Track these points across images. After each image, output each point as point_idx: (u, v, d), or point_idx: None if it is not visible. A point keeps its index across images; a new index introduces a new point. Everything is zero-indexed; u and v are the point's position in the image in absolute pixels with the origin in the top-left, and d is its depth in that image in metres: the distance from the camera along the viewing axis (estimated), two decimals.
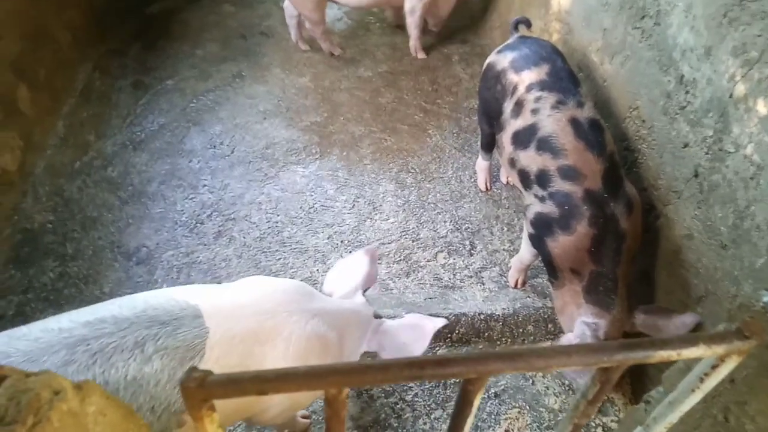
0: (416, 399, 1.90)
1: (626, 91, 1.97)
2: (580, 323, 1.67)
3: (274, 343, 1.29)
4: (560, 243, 1.74)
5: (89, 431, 0.53)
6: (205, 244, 2.33)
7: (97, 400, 0.56)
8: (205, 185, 2.56)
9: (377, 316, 1.57)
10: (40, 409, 0.48)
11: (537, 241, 1.86)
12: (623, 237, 1.66)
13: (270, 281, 1.44)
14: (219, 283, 2.19)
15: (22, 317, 2.06)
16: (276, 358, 1.29)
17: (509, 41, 2.19)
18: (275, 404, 1.38)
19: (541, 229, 1.81)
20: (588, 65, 2.24)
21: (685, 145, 1.64)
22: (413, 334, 1.52)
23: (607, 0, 2.07)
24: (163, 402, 1.16)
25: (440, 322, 1.55)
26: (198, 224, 2.40)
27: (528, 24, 2.30)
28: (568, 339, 1.69)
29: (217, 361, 1.21)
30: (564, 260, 1.76)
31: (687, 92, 1.62)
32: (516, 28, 2.26)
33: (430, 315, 1.65)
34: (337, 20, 3.65)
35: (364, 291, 1.62)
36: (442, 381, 1.96)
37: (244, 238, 2.36)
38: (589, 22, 2.23)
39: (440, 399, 1.90)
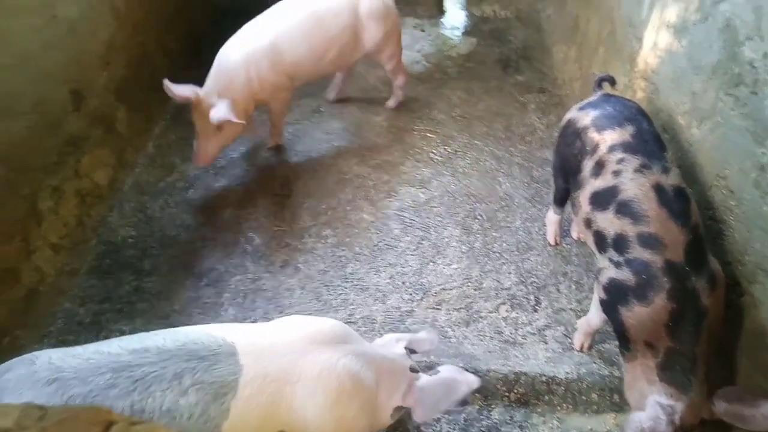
0: None
1: (714, 159, 1.88)
2: (654, 404, 1.57)
3: (305, 382, 1.30)
4: (635, 313, 1.65)
5: None
6: (271, 272, 2.39)
7: None
8: (276, 215, 2.64)
9: (414, 370, 1.54)
10: None
11: (609, 307, 1.78)
12: (704, 314, 1.57)
13: (307, 321, 1.47)
14: (281, 312, 2.24)
15: (97, 326, 2.18)
16: (306, 396, 1.30)
17: (592, 98, 2.15)
18: None
19: (615, 296, 1.73)
20: (673, 128, 2.17)
21: None
22: (446, 390, 1.51)
23: (699, 63, 2.01)
24: None
25: (475, 383, 1.54)
26: (266, 252, 2.48)
27: (612, 82, 2.26)
28: (639, 419, 1.59)
29: (248, 399, 1.25)
30: (638, 332, 1.66)
31: None
32: (600, 85, 2.23)
33: (475, 371, 1.62)
34: (415, 63, 3.73)
35: (411, 352, 1.60)
36: None
37: (308, 269, 2.41)
38: (677, 84, 2.17)
39: None
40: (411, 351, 1.60)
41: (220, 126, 2.47)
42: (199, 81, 3.42)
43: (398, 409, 1.47)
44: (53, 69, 2.33)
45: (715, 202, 1.86)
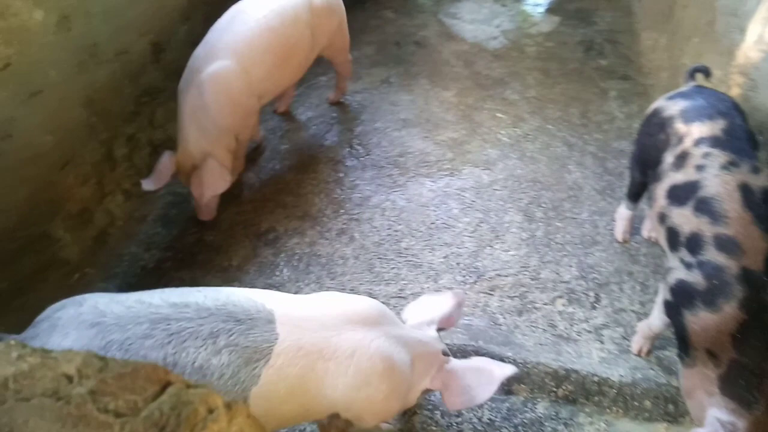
0: None
1: None
2: (713, 419, 1.48)
3: (338, 360, 1.30)
4: (700, 319, 1.55)
5: None
6: (327, 239, 2.40)
7: (242, 420, 0.58)
8: (336, 182, 2.64)
9: (445, 354, 1.51)
10: (195, 426, 0.50)
11: (673, 310, 1.68)
12: None
13: (345, 299, 1.45)
14: (333, 279, 2.26)
15: (159, 271, 2.27)
16: (337, 375, 1.30)
17: (683, 89, 2.00)
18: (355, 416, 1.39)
19: (681, 298, 1.63)
20: None
21: None
22: (479, 378, 1.46)
23: None
24: (222, 396, 1.22)
25: (509, 370, 1.48)
26: (324, 218, 2.49)
27: (707, 73, 2.09)
28: None
29: (280, 368, 1.25)
30: (701, 339, 1.56)
31: None
32: (692, 76, 2.06)
33: (523, 363, 1.56)
34: (492, 38, 3.60)
35: (440, 330, 1.57)
36: None
37: (363, 240, 2.40)
38: None
39: None
40: (441, 329, 1.57)
41: None
42: None
43: (426, 391, 1.45)
44: (136, 21, 2.39)
45: None
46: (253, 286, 2.21)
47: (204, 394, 0.56)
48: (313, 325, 1.32)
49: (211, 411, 0.55)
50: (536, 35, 3.65)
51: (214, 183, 2.19)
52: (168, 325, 1.22)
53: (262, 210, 2.51)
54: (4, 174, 1.77)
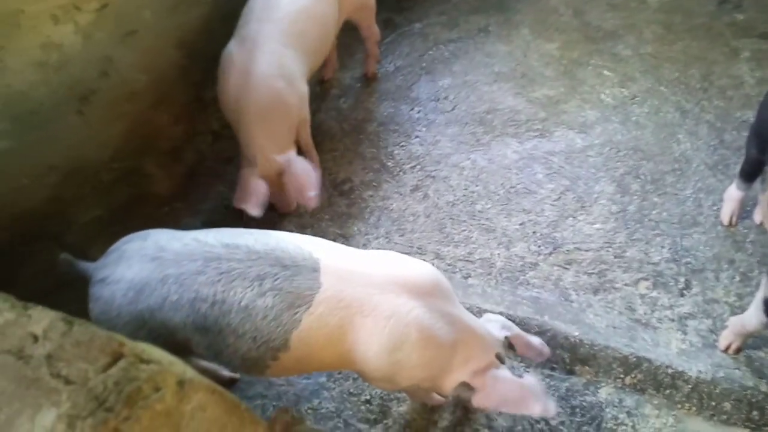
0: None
1: None
2: None
3: (376, 318, 1.29)
4: None
5: (181, 428, 0.56)
6: (401, 194, 2.37)
7: (201, 396, 0.58)
8: (417, 136, 2.57)
9: (500, 359, 1.42)
10: (135, 405, 0.50)
11: None
12: None
13: (400, 261, 1.41)
14: (402, 236, 2.23)
15: (240, 211, 2.37)
16: (372, 333, 1.29)
17: None
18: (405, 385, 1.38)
19: None
20: None
21: None
22: (518, 398, 1.35)
23: None
24: (265, 336, 1.28)
25: (550, 412, 1.36)
26: (401, 173, 2.45)
27: None
28: None
29: (320, 317, 1.28)
30: None
31: None
32: None
33: (591, 344, 1.44)
34: None
35: (510, 346, 1.49)
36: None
37: (437, 198, 2.34)
38: None
39: None
40: (510, 346, 1.48)
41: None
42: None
43: (464, 385, 1.37)
44: None
45: None
46: (324, 234, 2.25)
47: (154, 371, 0.57)
48: (358, 279, 1.32)
49: (157, 389, 0.55)
50: None
51: (311, 178, 1.97)
52: (219, 264, 1.28)
53: (341, 160, 2.52)
54: (102, 110, 1.91)
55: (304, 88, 2.14)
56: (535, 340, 1.54)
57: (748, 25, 2.90)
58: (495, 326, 1.48)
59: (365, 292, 1.30)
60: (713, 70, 2.71)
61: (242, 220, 2.01)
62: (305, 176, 1.97)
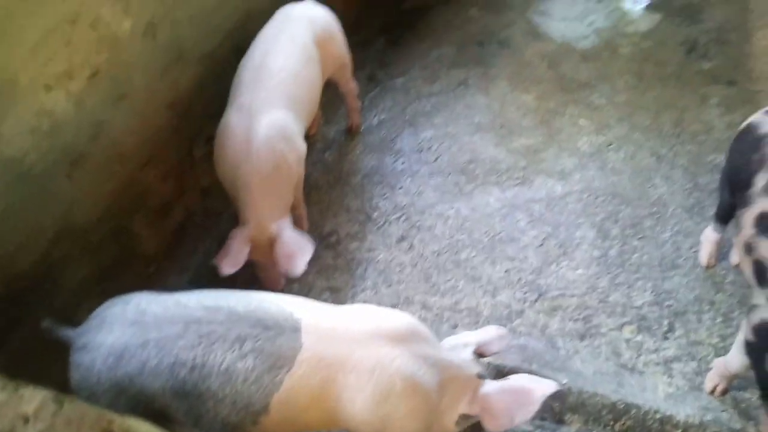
0: None
1: None
2: None
3: (358, 374, 1.29)
4: None
5: None
6: (386, 245, 2.41)
7: None
8: (401, 187, 2.64)
9: (481, 377, 1.45)
10: None
11: (755, 353, 1.52)
12: None
13: (377, 312, 1.44)
14: (389, 287, 2.26)
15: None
16: (356, 389, 1.30)
17: None
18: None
19: (766, 340, 1.48)
20: None
21: None
22: (518, 399, 1.39)
23: None
24: (245, 399, 1.28)
25: (550, 387, 1.40)
26: (386, 224, 2.49)
27: None
28: None
29: (301, 377, 1.28)
30: None
31: None
32: None
33: (579, 392, 1.47)
34: (582, 38, 3.39)
35: (479, 356, 1.51)
36: None
37: (423, 248, 2.38)
38: None
39: None
40: (480, 355, 1.51)
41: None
42: (355, 46, 3.46)
43: (465, 416, 1.40)
44: (222, 24, 2.51)
45: None
46: (311, 287, 2.28)
47: None
48: (339, 336, 1.33)
49: None
50: (632, 34, 3.38)
51: (303, 248, 1.95)
52: (199, 326, 1.29)
53: (326, 212, 2.57)
54: (92, 172, 1.95)
55: (303, 147, 2.22)
56: (491, 332, 1.56)
57: (715, 72, 3.05)
58: (460, 350, 1.50)
59: (346, 348, 1.31)
60: (684, 116, 2.82)
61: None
62: (297, 245, 1.97)
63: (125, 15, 1.97)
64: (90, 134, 1.91)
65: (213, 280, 2.03)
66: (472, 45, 3.43)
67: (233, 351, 1.27)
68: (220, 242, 2.46)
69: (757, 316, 1.52)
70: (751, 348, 1.54)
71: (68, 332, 1.43)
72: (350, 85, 2.77)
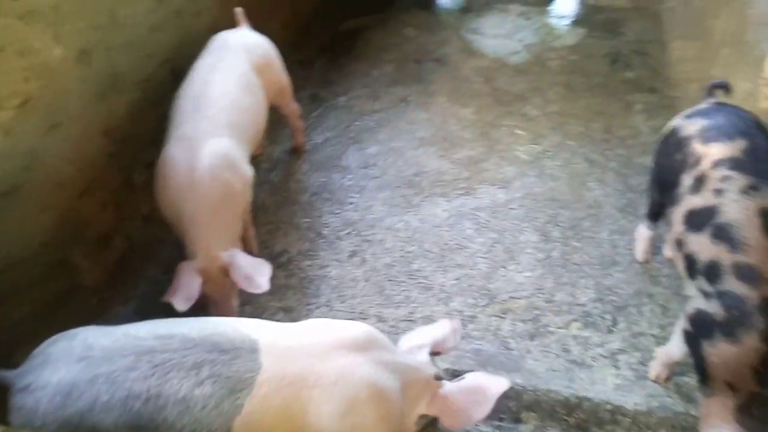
0: None
1: None
2: None
3: (322, 387, 1.28)
4: (719, 351, 1.49)
5: None
6: (339, 261, 2.42)
7: None
8: (351, 203, 2.66)
9: (438, 378, 1.49)
10: None
11: (692, 340, 1.61)
12: None
13: (333, 325, 1.44)
14: (343, 302, 2.26)
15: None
16: (321, 402, 1.29)
17: (702, 106, 1.92)
18: None
19: (700, 329, 1.57)
20: None
21: None
22: (474, 397, 1.45)
23: None
24: (205, 426, 1.24)
25: (504, 385, 1.46)
26: (337, 240, 2.50)
27: (727, 89, 2.00)
28: None
29: (263, 398, 1.25)
30: (720, 371, 1.50)
31: None
32: (712, 92, 1.98)
33: (533, 390, 1.52)
34: (513, 53, 3.56)
35: (434, 354, 1.55)
36: None
37: (375, 262, 2.40)
38: None
39: None
40: (435, 354, 1.55)
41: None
42: (296, 67, 3.50)
43: (422, 416, 1.43)
44: (157, 49, 2.48)
45: None
46: (264, 309, 2.25)
47: None
48: (297, 352, 1.32)
49: None
50: (560, 48, 3.58)
51: (260, 267, 1.89)
52: (152, 357, 1.24)
53: (276, 232, 2.55)
54: (27, 203, 1.87)
55: (249, 173, 2.17)
56: (444, 328, 1.60)
57: (637, 81, 3.27)
58: (417, 352, 1.52)
59: (307, 363, 1.31)
60: (613, 122, 3.00)
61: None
62: (253, 266, 1.90)
63: (56, 42, 1.92)
64: (22, 164, 1.83)
65: (160, 308, 1.98)
66: (410, 63, 3.54)
67: (190, 378, 1.23)
68: (165, 270, 2.41)
69: (691, 307, 1.62)
70: (688, 336, 1.63)
71: (6, 374, 1.35)
72: (291, 107, 2.80)
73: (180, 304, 1.81)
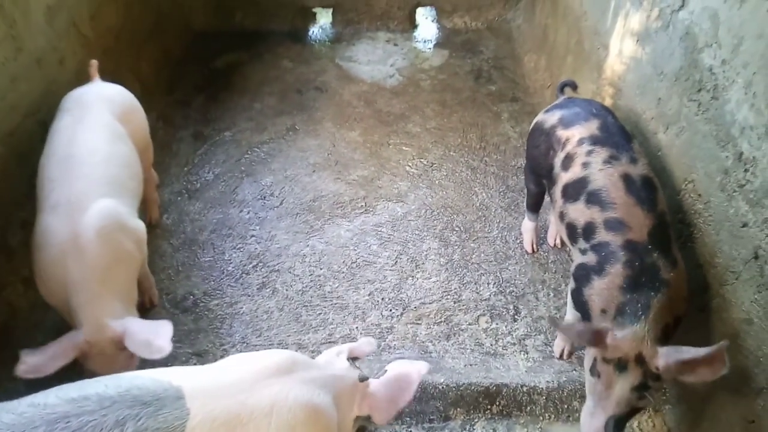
0: None
1: (681, 163, 1.91)
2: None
3: (257, 421, 1.25)
4: (594, 288, 1.69)
5: None
6: (249, 295, 2.37)
7: None
8: (253, 236, 2.63)
9: (362, 379, 1.55)
10: None
11: (577, 294, 1.80)
12: (664, 284, 1.59)
13: (253, 356, 1.42)
14: (259, 336, 2.22)
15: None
16: None
17: (556, 102, 2.21)
18: None
19: (580, 280, 1.77)
20: (642, 132, 2.20)
21: (744, 225, 1.57)
22: (399, 385, 1.53)
23: (662, 70, 2.05)
24: None
25: (424, 368, 1.56)
26: (244, 274, 2.46)
27: (574, 86, 2.31)
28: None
29: None
30: (596, 303, 1.69)
31: (746, 170, 1.56)
32: (562, 90, 2.28)
33: (456, 386, 1.60)
34: (388, 77, 3.75)
35: (353, 359, 1.60)
36: None
37: (286, 290, 2.39)
38: (643, 90, 2.21)
39: None
40: (354, 359, 1.60)
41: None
42: (173, 107, 3.40)
43: (357, 419, 1.47)
44: (21, 101, 2.30)
45: (684, 206, 1.89)
46: (175, 357, 2.14)
47: None
48: (224, 391, 1.27)
49: None
50: (429, 69, 3.84)
51: (159, 328, 1.71)
52: (68, 422, 1.12)
53: (177, 277, 2.45)
54: None
55: (141, 228, 2.02)
56: (363, 343, 1.65)
57: (501, 93, 3.60)
58: (336, 360, 1.56)
59: (236, 401, 1.26)
60: (486, 131, 3.27)
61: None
62: (150, 329, 1.73)
63: None
64: None
65: (55, 379, 1.79)
66: (292, 93, 3.59)
67: None
68: (56, 335, 2.20)
69: (573, 266, 1.83)
70: (574, 293, 1.81)
71: None
72: (151, 172, 2.56)
73: (22, 368, 1.62)
